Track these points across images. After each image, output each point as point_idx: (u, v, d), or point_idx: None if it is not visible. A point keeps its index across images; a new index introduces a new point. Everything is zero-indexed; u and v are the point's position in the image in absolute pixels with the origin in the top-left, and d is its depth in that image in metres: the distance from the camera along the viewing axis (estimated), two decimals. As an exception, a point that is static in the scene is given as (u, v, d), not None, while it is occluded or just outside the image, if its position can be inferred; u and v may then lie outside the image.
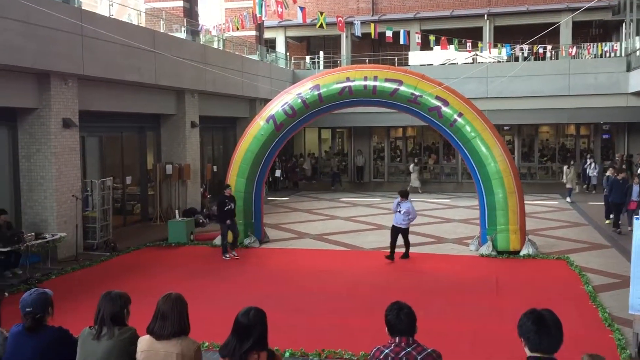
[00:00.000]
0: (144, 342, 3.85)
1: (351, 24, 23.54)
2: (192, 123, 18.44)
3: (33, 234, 11.46)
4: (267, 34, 29.68)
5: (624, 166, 20.87)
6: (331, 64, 29.14)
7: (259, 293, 9.93)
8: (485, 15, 29.01)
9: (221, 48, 21.25)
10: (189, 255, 13.37)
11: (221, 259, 12.75)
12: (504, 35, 28.73)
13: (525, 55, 25.52)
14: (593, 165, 23.05)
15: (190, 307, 3.92)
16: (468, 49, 24.96)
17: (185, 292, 4.16)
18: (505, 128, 27.56)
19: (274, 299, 9.54)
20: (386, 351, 3.54)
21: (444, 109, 13.04)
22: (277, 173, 25.16)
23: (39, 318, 3.98)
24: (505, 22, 29.23)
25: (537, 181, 27.42)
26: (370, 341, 7.53)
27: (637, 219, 7.18)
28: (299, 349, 7.45)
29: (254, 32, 25.00)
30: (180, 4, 19.34)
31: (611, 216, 15.75)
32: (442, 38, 21.08)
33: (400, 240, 12.24)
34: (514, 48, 24.08)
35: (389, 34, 19.86)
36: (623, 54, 24.98)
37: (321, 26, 15.64)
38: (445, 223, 17.03)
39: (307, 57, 31.37)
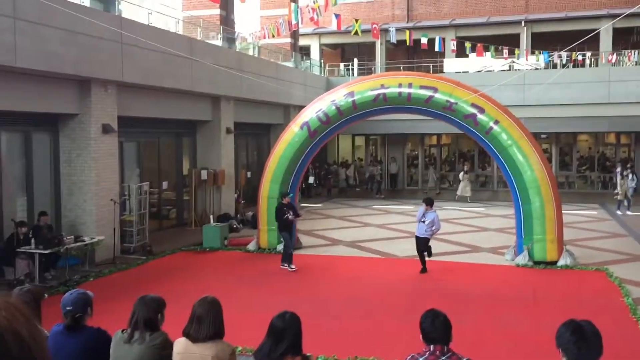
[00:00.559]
0: (180, 344, 3.89)
1: (386, 31, 23.54)
2: (227, 129, 18.64)
3: (72, 236, 11.73)
4: (302, 41, 29.85)
5: None
6: (365, 71, 29.11)
7: (292, 298, 9.95)
8: (523, 22, 28.62)
9: (256, 55, 21.47)
10: (223, 259, 13.49)
11: (253, 263, 12.82)
12: (542, 42, 28.28)
13: (564, 62, 25.08)
14: (631, 176, 21.95)
15: (224, 311, 3.96)
16: (505, 56, 24.67)
17: (219, 296, 4.20)
18: (543, 136, 27.09)
19: (307, 304, 9.55)
20: (420, 359, 3.52)
21: (480, 116, 12.91)
22: (311, 180, 25.21)
23: (79, 317, 4.05)
24: (543, 29, 28.76)
25: (576, 190, 26.86)
26: (404, 349, 7.49)
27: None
28: (331, 354, 7.44)
29: (289, 40, 25.18)
30: (217, 12, 19.62)
31: None
32: (478, 45, 20.91)
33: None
34: (552, 55, 23.70)
35: (424, 40, 19.80)
36: (666, 61, 24.37)
37: (356, 33, 15.68)
38: (481, 232, 16.81)
39: (342, 64, 31.42)
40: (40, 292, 4.60)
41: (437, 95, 13.17)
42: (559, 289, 10.71)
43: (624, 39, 30.00)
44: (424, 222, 11.73)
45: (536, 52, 24.17)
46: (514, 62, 26.25)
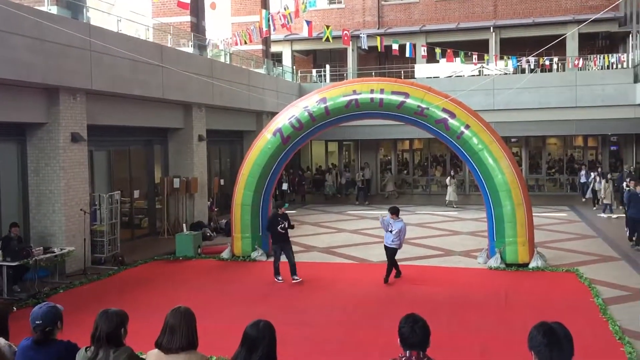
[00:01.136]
0: (152, 356, 3.83)
1: (357, 37, 23.66)
2: (199, 137, 18.51)
3: (41, 248, 11.50)
4: (274, 48, 29.84)
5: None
6: (337, 77, 29.22)
7: (266, 306, 9.90)
8: (491, 28, 29.06)
9: (228, 62, 21.38)
10: (196, 268, 13.36)
11: (227, 271, 12.72)
12: (510, 48, 28.73)
13: (532, 67, 25.51)
14: (598, 178, 21.58)
15: (198, 320, 3.91)
16: (474, 61, 24.99)
17: (193, 305, 4.15)
18: (513, 140, 27.52)
19: (282, 312, 9.51)
20: (395, 365, 3.51)
21: (451, 121, 13.05)
22: (284, 186, 25.16)
23: (48, 331, 3.98)
24: (511, 34, 29.24)
25: (545, 193, 27.30)
26: (379, 355, 7.50)
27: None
28: (307, 362, 7.41)
29: (260, 46, 25.14)
30: (188, 18, 19.49)
31: (630, 236, 14.94)
32: (448, 51, 21.13)
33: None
34: (520, 60, 24.09)
35: (395, 47, 19.94)
36: (630, 66, 24.94)
37: (327, 39, 15.72)
38: (453, 235, 16.96)
39: (314, 71, 31.50)
40: (7, 305, 4.49)
41: (409, 101, 13.28)
42: (531, 291, 10.85)
43: (590, 44, 30.67)
44: (391, 231, 11.45)
45: (505, 57, 24.53)
46: (483, 67, 26.62)
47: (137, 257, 14.23)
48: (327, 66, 29.96)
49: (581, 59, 25.49)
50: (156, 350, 3.82)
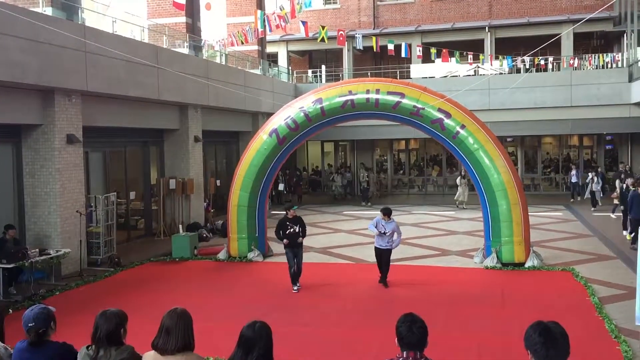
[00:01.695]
0: (149, 357, 3.83)
1: (353, 37, 23.69)
2: (195, 138, 18.49)
3: (37, 250, 11.46)
4: (269, 48, 29.84)
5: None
6: (333, 77, 29.24)
7: (263, 307, 9.90)
8: (487, 28, 29.13)
9: (224, 63, 21.37)
10: (193, 269, 13.35)
11: (224, 272, 12.71)
12: (506, 47, 28.81)
13: (527, 67, 25.57)
14: (596, 179, 21.34)
15: (194, 321, 3.91)
16: (470, 61, 25.02)
17: (189, 306, 4.15)
18: (508, 139, 27.56)
19: (278, 312, 9.52)
20: (393, 365, 3.50)
21: (447, 121, 13.06)
22: (281, 187, 25.15)
23: (42, 333, 3.98)
24: (507, 34, 29.31)
25: (541, 192, 27.36)
26: (375, 354, 7.51)
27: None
28: (303, 363, 7.41)
29: (256, 47, 25.13)
30: (183, 19, 19.47)
31: (626, 232, 14.94)
32: (444, 51, 21.17)
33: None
34: (516, 60, 24.15)
35: (390, 47, 19.96)
36: (625, 65, 25.02)
37: (323, 40, 15.73)
38: (449, 235, 16.98)
39: (309, 71, 31.49)
40: (2, 308, 4.49)
41: (405, 101, 13.29)
42: (527, 290, 10.87)
43: (585, 44, 30.76)
44: (385, 233, 11.20)
45: (500, 57, 24.60)
46: (478, 67, 26.66)
47: (133, 259, 14.20)
48: (323, 67, 29.96)
49: (576, 59, 25.57)
50: (152, 351, 3.81)
